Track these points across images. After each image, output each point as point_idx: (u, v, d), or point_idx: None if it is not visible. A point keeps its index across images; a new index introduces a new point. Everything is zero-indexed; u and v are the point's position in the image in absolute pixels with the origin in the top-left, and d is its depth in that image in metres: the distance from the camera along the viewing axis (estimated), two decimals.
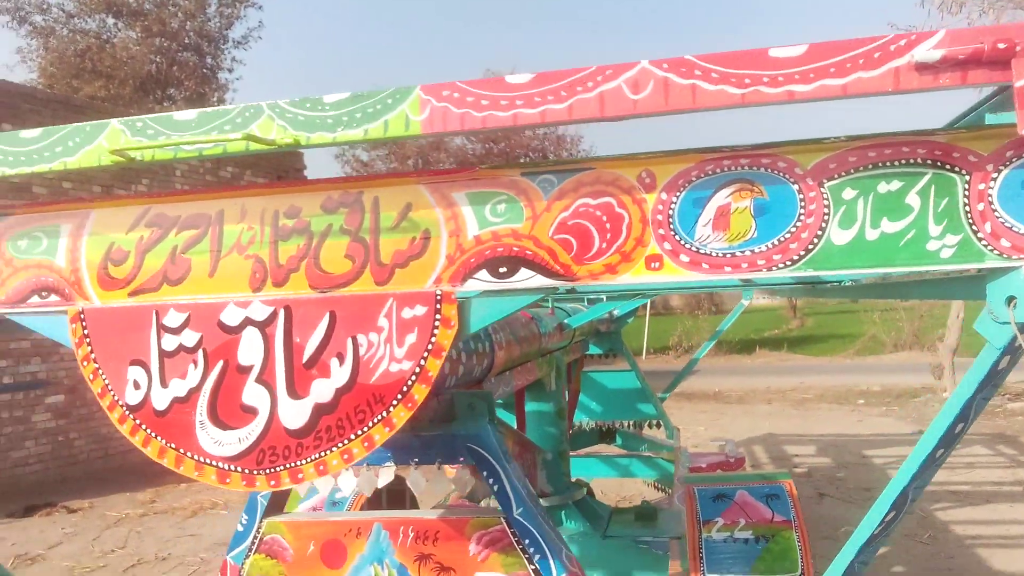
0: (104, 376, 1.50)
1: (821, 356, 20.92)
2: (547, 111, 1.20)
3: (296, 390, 1.42)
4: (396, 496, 3.52)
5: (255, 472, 1.43)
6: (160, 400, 1.47)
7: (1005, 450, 8.74)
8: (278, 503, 2.02)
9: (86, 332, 1.51)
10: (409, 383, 1.38)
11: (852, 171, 1.25)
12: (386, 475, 1.94)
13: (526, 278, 1.35)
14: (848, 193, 1.25)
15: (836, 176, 1.25)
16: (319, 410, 1.41)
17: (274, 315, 1.43)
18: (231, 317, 1.45)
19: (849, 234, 1.25)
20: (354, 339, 1.40)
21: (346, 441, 1.40)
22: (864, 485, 7.29)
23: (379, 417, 1.39)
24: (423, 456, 1.90)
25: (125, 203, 1.53)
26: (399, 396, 1.38)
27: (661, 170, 1.31)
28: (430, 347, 1.37)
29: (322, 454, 1.41)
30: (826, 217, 1.26)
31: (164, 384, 1.47)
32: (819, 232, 1.26)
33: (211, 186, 1.45)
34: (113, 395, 1.50)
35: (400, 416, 1.38)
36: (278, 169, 12.29)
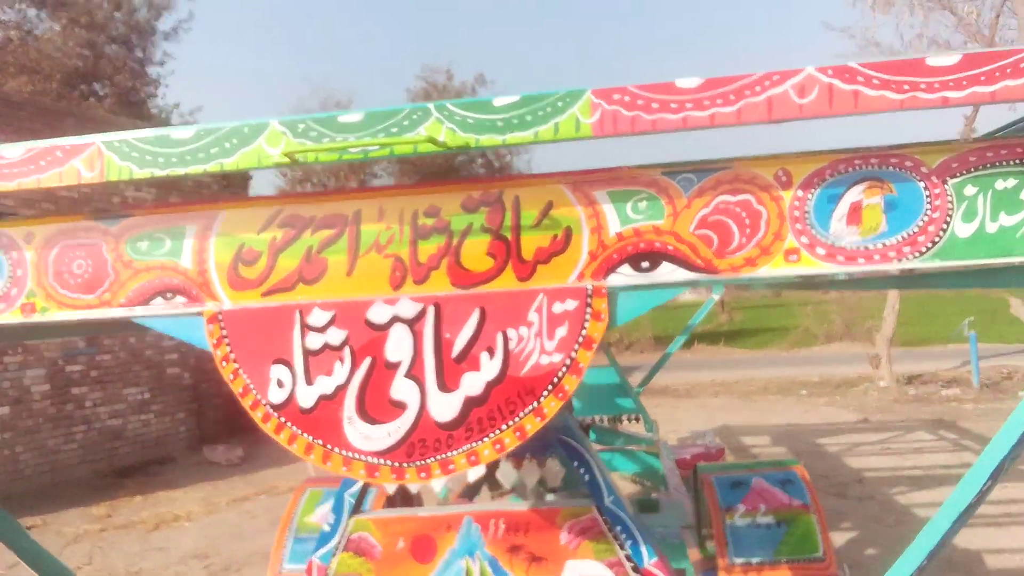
0: (245, 376, 1.51)
1: (757, 349, 21.59)
2: (716, 114, 1.28)
3: (446, 384, 1.46)
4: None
5: (405, 465, 1.47)
6: (306, 398, 1.49)
7: (947, 435, 9.23)
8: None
9: (224, 333, 1.52)
10: (560, 375, 1.43)
11: (972, 170, 1.36)
12: (477, 469, 1.99)
13: (668, 272, 1.43)
14: (969, 190, 1.37)
15: (958, 174, 1.37)
16: (470, 403, 1.45)
17: (423, 312, 1.46)
18: (378, 315, 1.48)
19: (971, 227, 1.37)
20: (504, 334, 1.45)
21: (497, 432, 1.45)
22: (822, 473, 7.59)
23: (530, 408, 1.44)
24: (515, 449, 1.95)
25: (255, 204, 1.54)
26: (550, 387, 1.44)
27: (797, 169, 1.40)
28: (581, 340, 1.43)
29: (473, 445, 1.45)
30: (950, 212, 1.37)
31: (309, 382, 1.49)
32: (944, 226, 1.37)
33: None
34: (255, 394, 1.51)
35: (551, 406, 1.44)
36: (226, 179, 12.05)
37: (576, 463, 1.98)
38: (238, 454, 8.98)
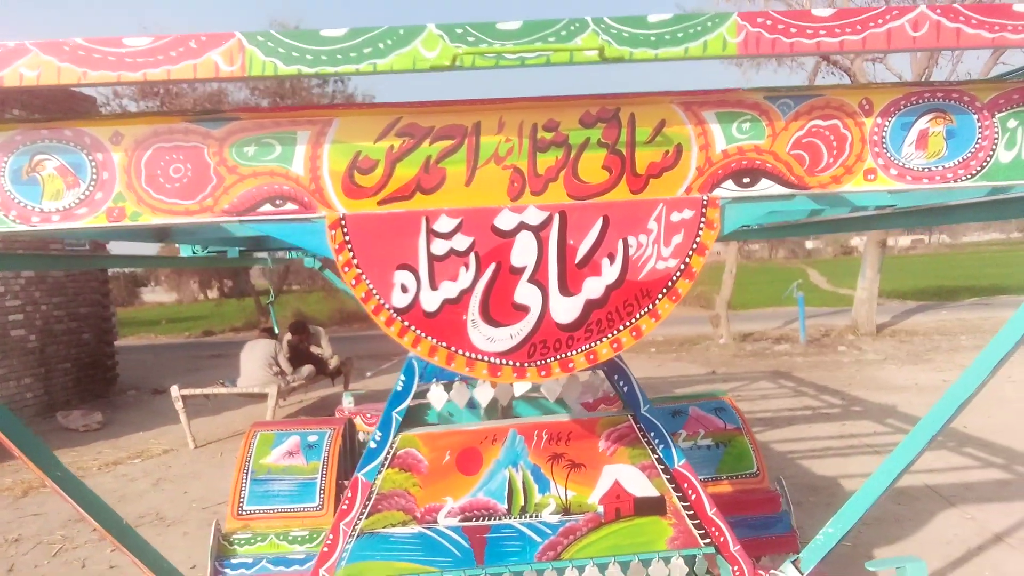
0: (368, 281, 1.52)
1: None
2: (845, 41, 1.43)
3: (568, 288, 1.54)
4: None
5: (526, 364, 1.54)
6: (430, 302, 1.52)
7: (785, 383, 10.20)
8: (412, 420, 2.08)
9: (347, 238, 1.51)
10: (674, 279, 1.56)
11: (1015, 106, 1.61)
12: (523, 384, 2.08)
13: (766, 187, 1.59)
14: (1011, 123, 1.62)
15: (1004, 109, 1.61)
16: (590, 305, 1.55)
17: (549, 220, 1.53)
18: (505, 222, 1.53)
19: (1011, 154, 1.62)
20: (624, 240, 1.55)
21: (615, 332, 1.55)
22: None
23: (646, 310, 1.56)
24: None
25: (371, 112, 1.54)
26: (664, 290, 1.56)
27: (877, 99, 1.59)
28: (695, 246, 1.56)
29: (592, 344, 1.55)
30: (996, 141, 1.62)
31: (434, 287, 1.52)
32: (990, 152, 1.61)
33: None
34: (378, 299, 1.52)
35: (665, 308, 1.56)
36: (63, 109, 11.01)
37: (616, 376, 2.12)
38: (97, 419, 8.38)
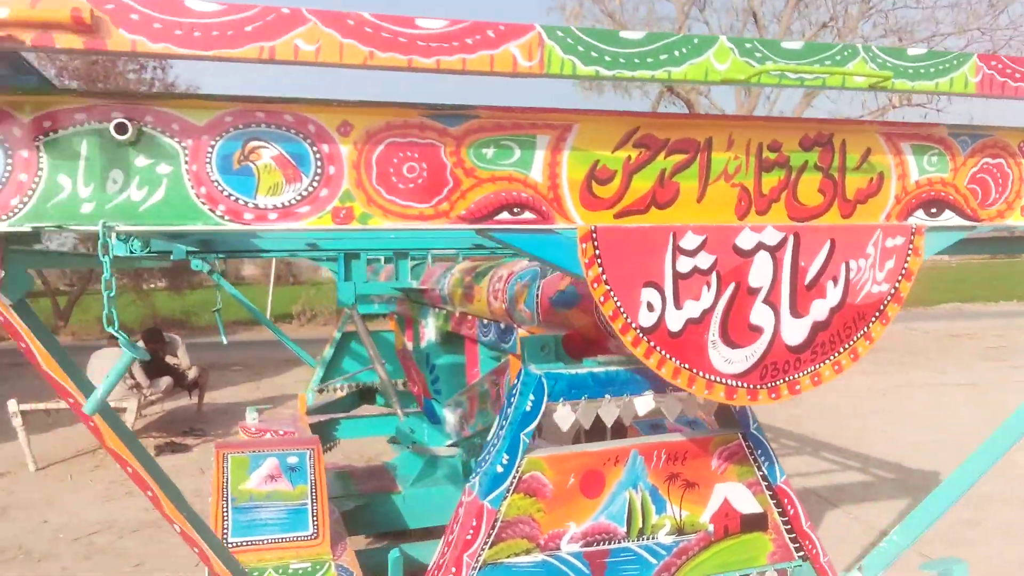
0: (616, 298, 1.43)
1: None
2: None
3: (798, 309, 1.54)
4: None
5: (758, 387, 1.52)
6: (674, 321, 1.46)
7: None
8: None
9: (597, 252, 1.41)
10: (885, 302, 1.60)
11: None
12: (645, 403, 2.03)
13: (948, 218, 1.68)
14: None
15: None
16: (816, 327, 1.55)
17: (784, 240, 1.52)
18: (745, 241, 1.50)
19: None
20: (847, 264, 1.57)
21: (836, 354, 1.57)
22: None
23: (861, 332, 1.59)
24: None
25: (609, 119, 1.45)
26: (877, 314, 1.60)
27: None
28: (903, 272, 1.62)
29: (817, 366, 1.56)
30: None
31: (678, 306, 1.46)
32: None
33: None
34: (626, 317, 1.43)
35: (877, 331, 1.60)
36: None
37: None
38: None
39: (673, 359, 1.47)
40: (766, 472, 2.13)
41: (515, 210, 1.40)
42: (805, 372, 1.56)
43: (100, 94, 1.21)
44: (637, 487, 2.03)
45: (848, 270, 1.58)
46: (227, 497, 2.95)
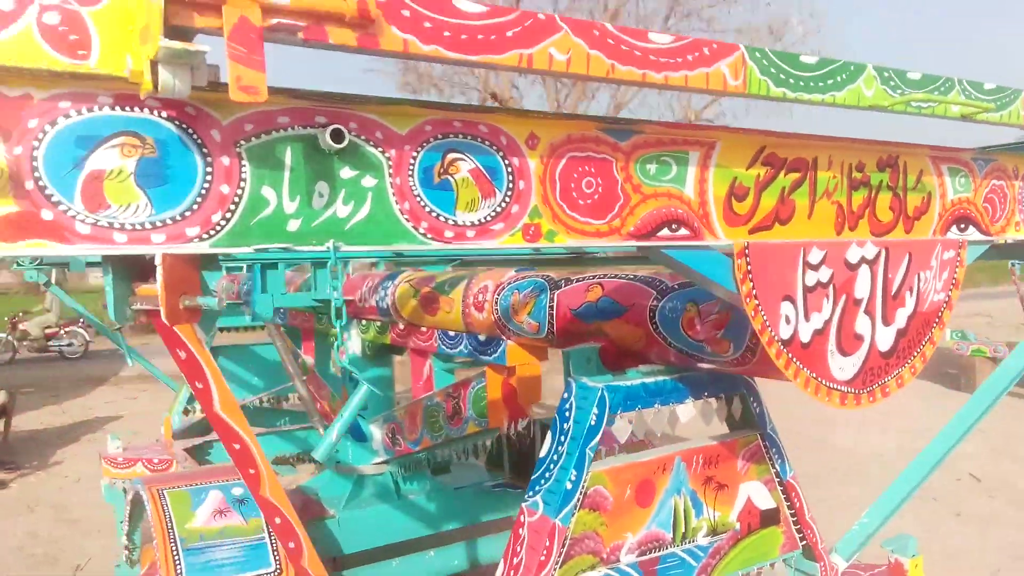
0: (763, 312, 1.46)
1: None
2: None
3: (887, 318, 1.66)
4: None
5: (861, 392, 1.63)
6: (805, 333, 1.52)
7: None
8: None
9: (750, 268, 1.44)
10: (942, 310, 1.78)
11: None
12: (687, 411, 2.08)
13: (973, 233, 1.90)
14: None
15: None
16: (899, 334, 1.69)
17: (879, 255, 1.64)
18: (853, 255, 1.60)
19: None
20: (919, 275, 1.72)
21: (911, 358, 1.72)
22: None
23: (927, 337, 1.75)
24: (712, 390, 2.13)
25: (744, 137, 1.50)
26: (937, 320, 1.77)
27: (1022, 168, 2.01)
28: (954, 281, 1.80)
29: (899, 370, 1.69)
30: None
31: (807, 318, 1.53)
32: None
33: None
34: (771, 331, 1.47)
35: (938, 335, 1.77)
36: None
37: (751, 399, 2.23)
38: None
39: (805, 369, 1.54)
40: (779, 469, 2.27)
41: (673, 226, 1.41)
42: (892, 376, 1.69)
43: (304, 95, 1.07)
44: (681, 493, 2.09)
45: (919, 281, 1.74)
46: (175, 539, 2.66)
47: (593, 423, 1.93)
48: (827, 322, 1.57)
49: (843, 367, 1.60)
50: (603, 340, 2.18)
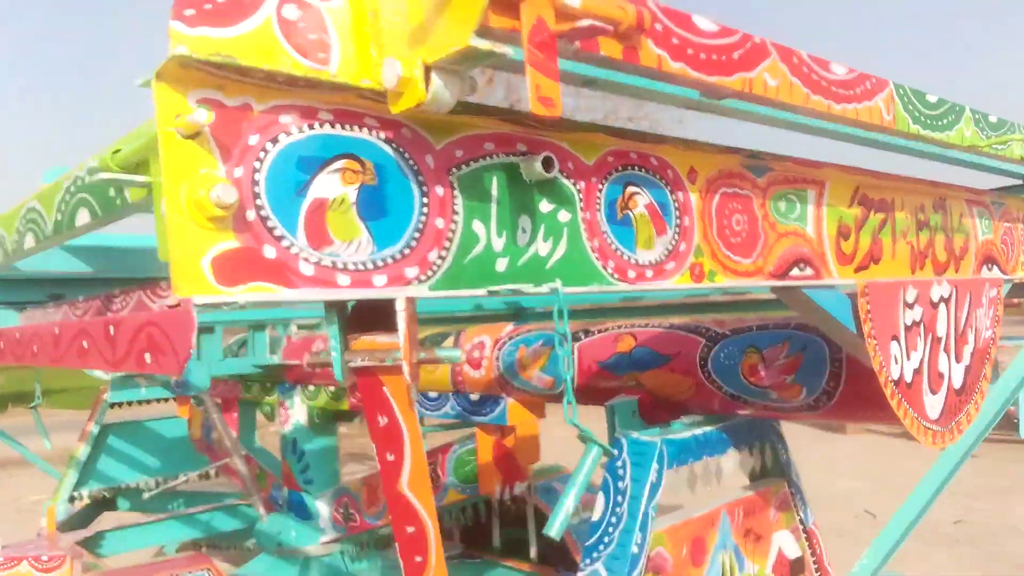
0: (879, 352, 1.43)
1: None
2: None
3: (958, 355, 1.68)
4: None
5: (944, 430, 1.62)
6: (908, 372, 1.50)
7: None
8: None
9: (868, 308, 1.41)
10: (991, 346, 1.82)
11: None
12: (731, 461, 2.02)
13: (996, 272, 1.98)
14: None
15: None
16: (966, 371, 1.71)
17: (951, 293, 1.66)
18: (935, 294, 1.61)
19: None
20: (975, 313, 1.76)
21: (975, 393, 1.74)
22: None
23: (983, 373, 1.78)
24: (749, 438, 2.08)
25: (846, 175, 1.49)
26: (988, 355, 1.81)
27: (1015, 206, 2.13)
28: (997, 319, 1.85)
29: (967, 407, 1.71)
30: None
31: (908, 357, 1.51)
32: None
33: None
34: (886, 371, 1.44)
35: (989, 371, 1.81)
36: None
37: (780, 445, 2.19)
38: None
39: (911, 409, 1.52)
40: (803, 516, 2.25)
41: (801, 266, 1.36)
42: (963, 412, 1.70)
43: (505, 117, 0.94)
44: (727, 547, 2.02)
45: (976, 319, 1.78)
46: None
47: (654, 480, 1.83)
48: (921, 360, 1.57)
49: (933, 405, 1.59)
50: (637, 392, 2.10)
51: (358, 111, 0.81)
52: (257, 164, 0.74)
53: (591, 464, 1.03)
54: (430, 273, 0.86)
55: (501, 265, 0.93)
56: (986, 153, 1.57)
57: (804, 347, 1.75)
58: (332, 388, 3.24)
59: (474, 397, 2.60)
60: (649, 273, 1.10)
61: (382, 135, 0.83)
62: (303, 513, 3.41)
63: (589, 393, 2.21)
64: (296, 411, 3.40)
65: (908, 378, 1.51)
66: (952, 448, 2.48)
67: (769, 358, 1.82)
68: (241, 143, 0.73)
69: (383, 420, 0.90)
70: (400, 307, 0.81)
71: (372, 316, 0.83)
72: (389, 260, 0.83)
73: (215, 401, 3.51)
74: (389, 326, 0.82)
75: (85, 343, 1.02)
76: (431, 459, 2.89)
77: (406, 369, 0.83)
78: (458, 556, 3.71)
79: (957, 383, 1.67)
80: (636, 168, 1.09)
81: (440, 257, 0.87)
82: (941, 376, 1.62)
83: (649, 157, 1.11)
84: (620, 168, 1.07)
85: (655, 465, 1.83)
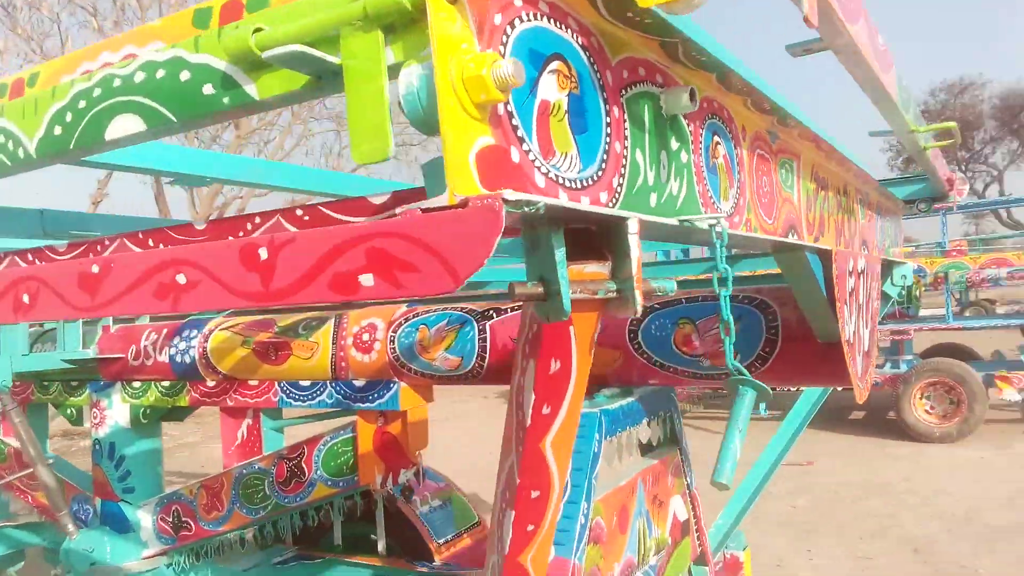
0: (843, 315, 1.52)
1: None
2: None
3: (867, 321, 1.84)
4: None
5: (863, 388, 1.77)
6: (849, 334, 1.62)
7: None
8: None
9: (837, 274, 1.49)
10: (876, 317, 2.02)
11: None
12: (645, 431, 2.04)
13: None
14: None
15: None
16: (870, 336, 1.88)
17: (865, 267, 1.82)
18: (860, 266, 1.75)
19: None
20: (873, 285, 1.94)
21: (873, 356, 1.92)
22: None
23: (875, 340, 1.97)
24: (657, 408, 2.13)
25: (807, 151, 1.58)
26: (876, 324, 2.00)
27: None
28: (878, 293, 2.05)
29: (870, 369, 1.88)
30: None
31: (850, 320, 1.63)
32: None
33: None
34: (844, 332, 1.54)
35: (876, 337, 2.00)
36: None
37: (672, 411, 2.25)
38: None
39: (857, 368, 1.63)
40: (689, 481, 2.36)
41: (792, 232, 1.42)
42: (869, 372, 1.87)
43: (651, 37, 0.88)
44: (641, 514, 2.06)
45: (872, 291, 1.96)
46: None
47: (596, 450, 1.82)
48: (856, 324, 1.70)
49: (859, 365, 1.73)
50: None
51: (564, 9, 0.71)
52: (501, 49, 0.62)
53: (748, 406, 0.98)
54: (614, 201, 0.77)
55: (653, 200, 0.86)
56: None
57: (739, 317, 1.83)
58: (166, 383, 2.86)
59: (359, 383, 2.42)
60: (732, 221, 1.08)
61: (580, 40, 0.73)
62: (120, 526, 2.99)
63: (501, 372, 2.14)
64: (115, 411, 2.97)
65: (851, 340, 1.63)
66: (787, 423, 2.73)
67: (703, 328, 1.88)
68: (489, 20, 0.61)
69: (555, 365, 0.79)
70: (633, 229, 0.72)
71: (575, 244, 0.72)
72: (588, 181, 0.73)
73: (15, 402, 2.95)
74: (598, 255, 0.72)
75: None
76: (292, 454, 2.66)
77: (638, 298, 0.73)
78: (294, 558, 3.44)
79: (867, 346, 1.83)
80: (717, 118, 1.07)
81: (619, 184, 0.79)
82: (860, 340, 1.77)
83: (724, 109, 1.09)
84: (710, 116, 1.04)
85: (596, 436, 1.82)
